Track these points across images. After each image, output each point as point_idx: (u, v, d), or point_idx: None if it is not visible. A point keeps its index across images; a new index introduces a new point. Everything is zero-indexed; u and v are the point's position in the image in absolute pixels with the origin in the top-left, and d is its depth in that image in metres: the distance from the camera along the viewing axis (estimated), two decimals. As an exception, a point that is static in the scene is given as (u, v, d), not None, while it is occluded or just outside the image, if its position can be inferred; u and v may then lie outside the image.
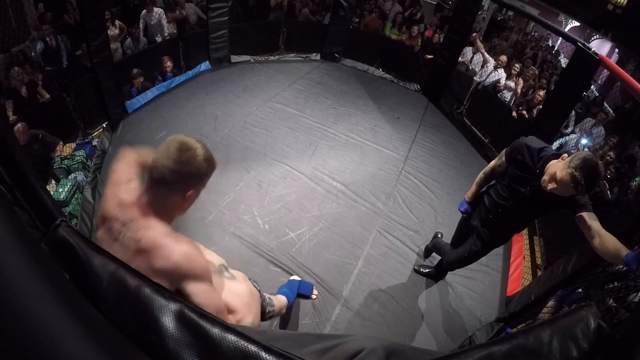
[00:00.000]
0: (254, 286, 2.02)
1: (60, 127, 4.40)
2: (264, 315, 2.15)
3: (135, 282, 0.77)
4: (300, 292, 3.10)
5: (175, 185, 1.29)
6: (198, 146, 1.29)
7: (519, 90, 6.08)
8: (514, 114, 5.70)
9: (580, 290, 3.08)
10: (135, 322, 0.73)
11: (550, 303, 3.18)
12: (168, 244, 1.28)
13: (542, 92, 5.70)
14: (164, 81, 5.72)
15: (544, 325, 0.90)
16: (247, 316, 1.71)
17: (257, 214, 3.91)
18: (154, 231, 1.29)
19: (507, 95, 6.19)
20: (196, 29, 6.50)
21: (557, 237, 4.04)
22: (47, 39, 5.39)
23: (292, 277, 3.27)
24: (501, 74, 6.39)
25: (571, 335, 0.87)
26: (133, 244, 1.27)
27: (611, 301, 2.50)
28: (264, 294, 2.17)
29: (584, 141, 5.67)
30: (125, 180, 1.44)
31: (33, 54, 5.36)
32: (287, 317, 3.07)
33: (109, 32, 5.48)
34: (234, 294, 1.66)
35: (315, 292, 3.26)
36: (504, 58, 6.55)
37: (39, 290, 0.60)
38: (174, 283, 1.31)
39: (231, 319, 1.61)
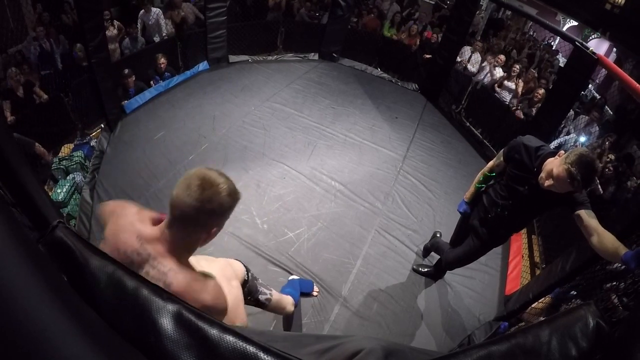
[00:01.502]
0: (245, 273, 2.05)
1: (58, 128, 4.39)
2: (259, 303, 2.18)
3: (133, 284, 0.77)
4: (302, 291, 3.11)
5: (199, 223, 1.25)
6: (221, 181, 1.23)
7: (519, 91, 6.09)
8: (519, 113, 5.70)
9: (574, 292, 3.08)
10: (133, 323, 0.73)
11: (546, 299, 3.19)
12: (198, 290, 1.28)
13: (541, 90, 5.71)
14: (161, 79, 5.71)
15: (542, 325, 0.90)
16: (236, 319, 1.72)
17: (256, 213, 3.91)
18: (184, 276, 1.27)
19: (507, 96, 6.19)
20: (194, 28, 6.50)
21: (556, 235, 4.04)
22: (42, 43, 5.38)
23: (291, 277, 3.28)
24: (499, 72, 6.39)
25: (570, 334, 0.87)
26: (162, 285, 1.22)
27: (611, 299, 2.51)
28: (257, 282, 2.18)
29: (582, 139, 5.68)
30: (135, 211, 1.38)
31: (31, 56, 5.35)
32: (286, 317, 3.07)
33: (107, 32, 5.49)
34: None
35: (316, 288, 3.28)
36: (502, 57, 6.56)
37: (36, 292, 0.60)
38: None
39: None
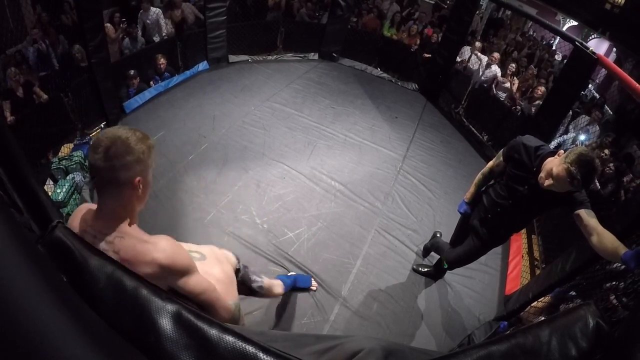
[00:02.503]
0: (237, 262, 2.07)
1: (58, 128, 4.39)
2: (253, 291, 2.22)
3: (132, 284, 0.77)
4: (299, 286, 3.14)
5: (119, 180, 1.23)
6: (126, 134, 1.23)
7: (514, 90, 6.09)
8: (519, 106, 5.69)
9: (573, 293, 3.08)
10: (133, 323, 0.73)
11: (546, 299, 3.19)
12: (147, 249, 1.28)
13: (542, 88, 5.70)
14: (161, 79, 5.71)
15: (542, 325, 0.90)
16: (227, 296, 1.71)
17: (256, 213, 3.91)
18: (128, 239, 1.28)
19: (503, 96, 6.19)
20: (194, 28, 6.49)
21: (556, 235, 4.04)
22: (39, 45, 5.38)
23: (290, 274, 3.29)
24: (495, 69, 6.39)
25: (570, 334, 0.87)
26: (115, 257, 1.24)
27: (611, 299, 2.51)
28: (248, 270, 2.21)
29: (582, 137, 5.68)
30: (86, 204, 1.44)
31: (30, 57, 5.36)
32: (285, 317, 3.07)
33: (112, 34, 5.50)
34: (212, 278, 1.65)
35: (314, 283, 3.29)
36: (496, 55, 6.55)
37: (36, 293, 0.60)
38: (164, 283, 1.34)
39: None
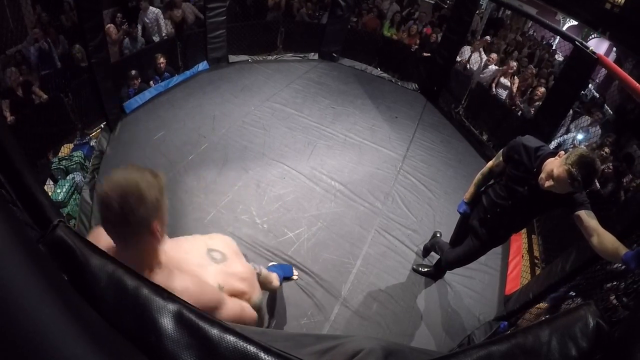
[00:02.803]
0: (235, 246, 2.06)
1: (58, 128, 4.39)
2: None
3: (133, 283, 0.77)
4: (285, 275, 3.22)
5: (137, 231, 1.18)
6: (134, 181, 1.15)
7: (514, 89, 6.08)
8: (517, 107, 5.69)
9: (573, 293, 3.08)
10: (134, 323, 0.73)
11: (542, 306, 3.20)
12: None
13: (542, 89, 5.70)
14: (160, 79, 5.70)
15: (542, 325, 0.90)
16: (254, 292, 1.74)
17: (256, 213, 3.91)
18: None
19: (503, 93, 6.19)
20: (194, 28, 6.49)
21: (556, 235, 4.04)
22: (40, 44, 5.38)
23: (270, 264, 3.32)
24: (493, 67, 6.39)
25: (570, 334, 0.87)
26: None
27: (611, 299, 2.51)
28: (246, 257, 2.21)
29: (579, 137, 5.68)
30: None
31: (31, 56, 5.36)
32: (286, 317, 3.07)
33: (114, 35, 5.50)
34: (238, 278, 1.66)
35: (295, 272, 3.36)
36: (494, 56, 6.55)
37: (36, 292, 0.60)
38: None
39: (246, 299, 1.68)
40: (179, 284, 1.28)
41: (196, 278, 1.36)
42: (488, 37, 7.11)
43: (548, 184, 2.10)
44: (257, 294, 1.78)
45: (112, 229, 1.16)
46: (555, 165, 2.08)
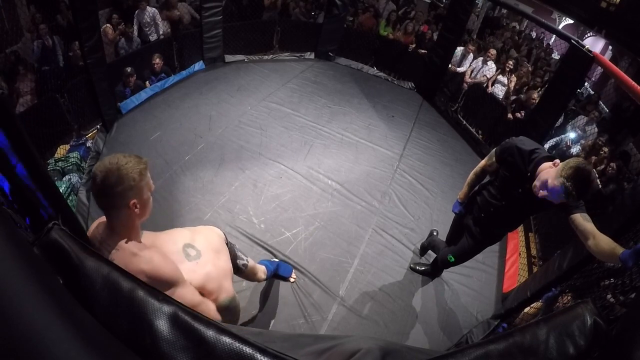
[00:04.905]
0: (225, 238, 2.15)
1: (53, 129, 4.36)
2: (237, 269, 2.30)
3: (128, 285, 0.76)
4: (280, 273, 3.19)
5: (116, 205, 1.43)
6: (118, 163, 1.40)
7: (511, 87, 6.10)
8: (510, 115, 5.71)
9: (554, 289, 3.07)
10: (129, 325, 0.73)
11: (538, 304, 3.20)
12: (136, 261, 1.46)
13: (535, 94, 5.71)
14: (157, 79, 5.69)
15: (540, 323, 0.90)
16: (221, 293, 1.84)
17: (253, 213, 3.90)
18: (122, 252, 1.47)
19: (499, 91, 6.20)
20: (190, 28, 6.47)
21: (553, 233, 4.05)
22: (45, 40, 5.37)
23: (273, 260, 3.31)
24: (491, 66, 6.39)
25: (568, 332, 0.87)
26: None
27: (608, 297, 2.51)
28: (235, 248, 2.33)
29: (571, 135, 5.69)
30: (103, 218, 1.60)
31: (33, 53, 5.35)
32: (283, 317, 3.07)
33: (110, 36, 5.49)
34: (206, 277, 1.77)
35: (293, 275, 3.33)
36: (493, 51, 6.56)
37: (31, 294, 0.59)
38: None
39: (210, 300, 1.79)
40: (146, 254, 1.50)
41: (163, 253, 1.57)
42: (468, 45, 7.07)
43: (542, 193, 2.08)
44: (225, 295, 1.86)
45: (96, 199, 1.45)
46: (550, 176, 2.05)
